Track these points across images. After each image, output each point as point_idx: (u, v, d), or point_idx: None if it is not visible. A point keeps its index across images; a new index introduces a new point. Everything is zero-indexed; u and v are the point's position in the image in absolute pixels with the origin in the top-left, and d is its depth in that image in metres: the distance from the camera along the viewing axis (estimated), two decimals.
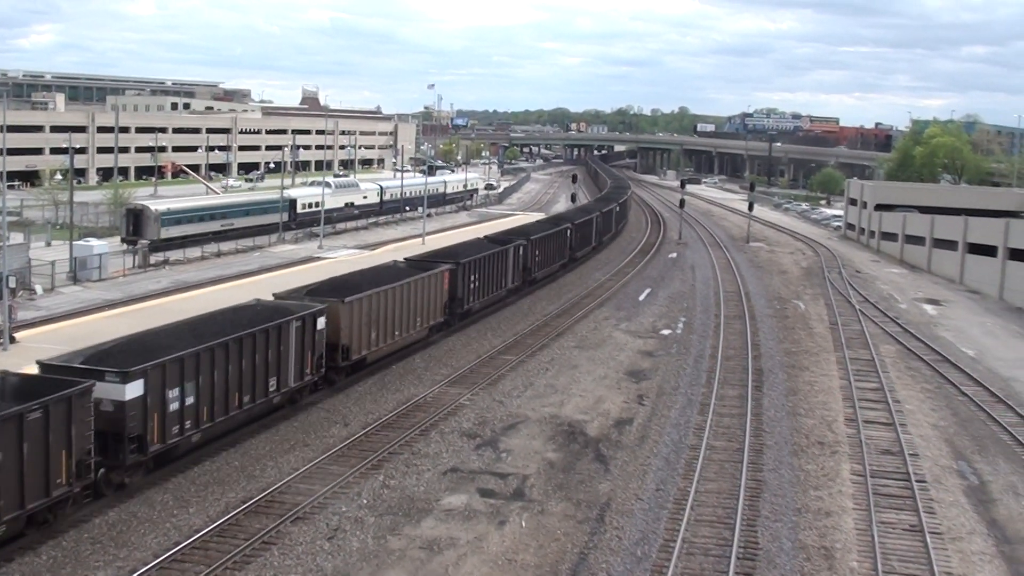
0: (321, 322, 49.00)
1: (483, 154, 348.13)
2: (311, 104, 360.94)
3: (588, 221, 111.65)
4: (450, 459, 43.15)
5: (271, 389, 45.45)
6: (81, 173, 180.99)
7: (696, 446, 46.07)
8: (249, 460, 41.83)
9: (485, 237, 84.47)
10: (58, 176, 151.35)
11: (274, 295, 53.36)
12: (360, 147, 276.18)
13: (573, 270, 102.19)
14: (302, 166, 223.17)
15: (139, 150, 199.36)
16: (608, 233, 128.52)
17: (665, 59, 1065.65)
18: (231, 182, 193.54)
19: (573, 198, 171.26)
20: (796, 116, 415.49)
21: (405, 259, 67.71)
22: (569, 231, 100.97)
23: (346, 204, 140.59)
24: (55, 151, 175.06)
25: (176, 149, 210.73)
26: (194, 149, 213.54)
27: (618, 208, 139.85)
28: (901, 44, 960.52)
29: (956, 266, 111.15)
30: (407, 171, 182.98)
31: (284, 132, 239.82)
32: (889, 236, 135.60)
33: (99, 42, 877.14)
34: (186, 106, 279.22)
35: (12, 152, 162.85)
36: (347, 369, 53.15)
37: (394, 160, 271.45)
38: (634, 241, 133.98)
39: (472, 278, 69.25)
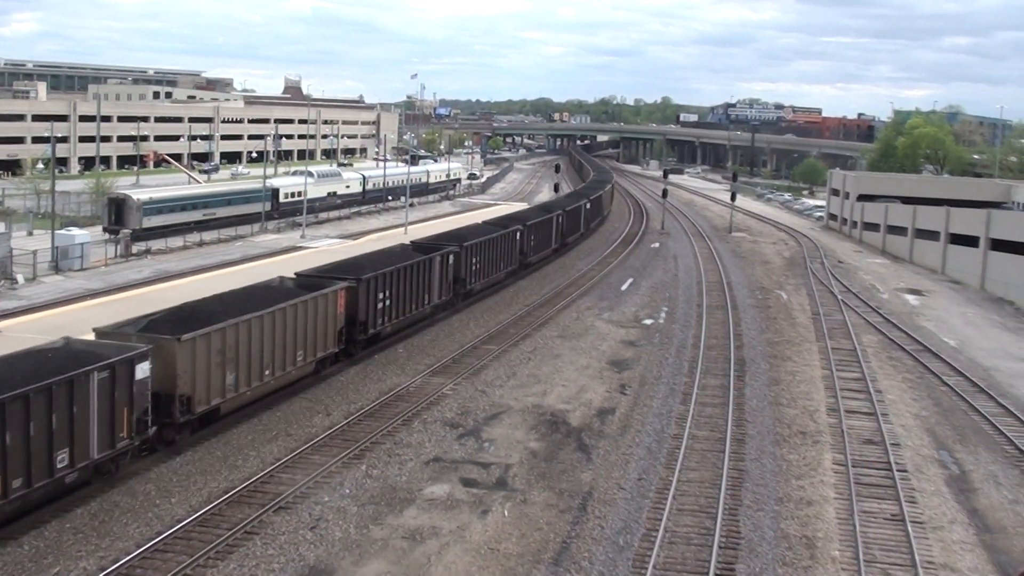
0: (143, 369, 38.20)
1: (466, 144, 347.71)
2: (294, 93, 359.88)
3: (577, 208, 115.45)
4: (433, 449, 43.15)
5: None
6: (63, 162, 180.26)
7: (678, 435, 46.14)
8: (231, 450, 41.77)
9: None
10: (40, 165, 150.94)
11: (95, 330, 42.13)
12: (343, 136, 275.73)
13: (559, 258, 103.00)
14: (284, 156, 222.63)
15: (121, 139, 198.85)
16: (596, 219, 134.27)
17: (647, 49, 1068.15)
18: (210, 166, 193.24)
19: (556, 188, 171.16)
20: (779, 107, 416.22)
21: (296, 274, 56.63)
22: (560, 217, 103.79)
23: (329, 194, 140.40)
24: (37, 140, 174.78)
25: (158, 138, 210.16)
26: (176, 138, 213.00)
27: (604, 196, 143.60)
28: (883, 34, 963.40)
29: (938, 256, 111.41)
30: (386, 160, 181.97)
31: (266, 121, 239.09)
32: (871, 226, 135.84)
33: (81, 30, 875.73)
34: (168, 95, 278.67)
35: None
36: (191, 425, 42.18)
37: (376, 150, 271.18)
38: (616, 231, 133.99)
39: (382, 295, 58.17)
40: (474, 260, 74.65)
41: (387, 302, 58.23)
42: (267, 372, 46.28)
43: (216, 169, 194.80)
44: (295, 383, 49.71)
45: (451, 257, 69.95)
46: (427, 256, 65.78)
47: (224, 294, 49.12)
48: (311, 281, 54.26)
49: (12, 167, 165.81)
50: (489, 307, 74.66)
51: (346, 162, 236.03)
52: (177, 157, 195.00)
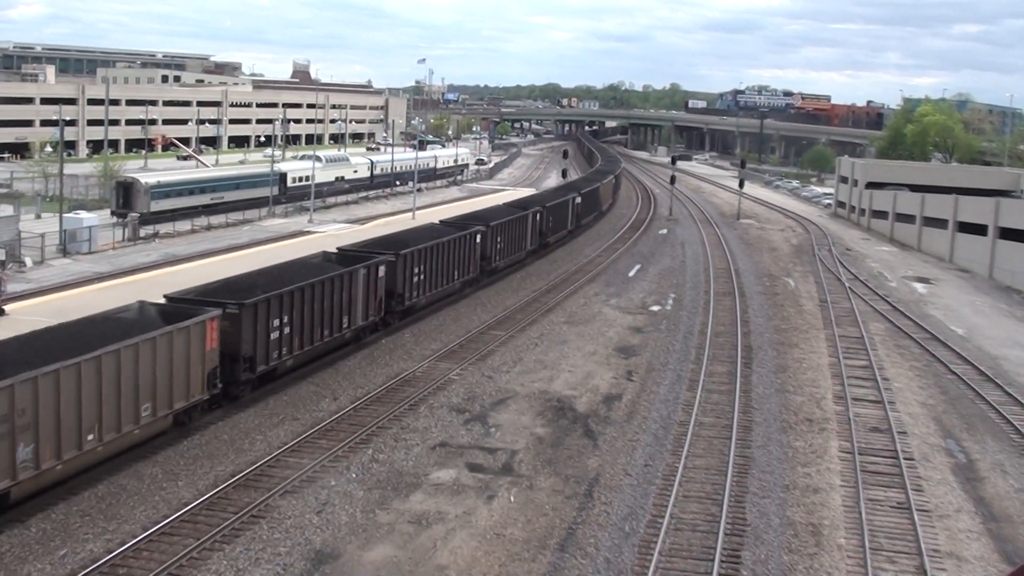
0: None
1: (474, 129, 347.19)
2: (302, 78, 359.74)
3: (593, 191, 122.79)
4: (439, 434, 43.19)
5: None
6: (71, 145, 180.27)
7: (685, 422, 46.15)
8: (238, 434, 41.83)
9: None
10: (48, 148, 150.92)
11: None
12: (351, 121, 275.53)
13: (573, 240, 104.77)
14: (293, 140, 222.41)
15: (129, 123, 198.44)
16: (607, 203, 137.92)
17: (656, 35, 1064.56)
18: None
19: (564, 174, 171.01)
20: (788, 93, 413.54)
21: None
22: (576, 200, 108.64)
23: (336, 178, 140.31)
24: (45, 123, 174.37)
25: (166, 122, 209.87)
26: (184, 122, 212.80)
27: (613, 182, 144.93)
28: (892, 22, 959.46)
29: (946, 245, 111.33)
30: (391, 145, 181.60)
31: (275, 106, 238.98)
32: (880, 214, 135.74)
33: (89, 13, 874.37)
34: (176, 79, 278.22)
35: (2, 124, 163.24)
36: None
37: (384, 134, 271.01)
38: (624, 217, 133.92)
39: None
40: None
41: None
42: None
43: (200, 151, 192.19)
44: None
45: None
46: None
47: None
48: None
49: (21, 150, 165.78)
50: (510, 285, 74.74)
51: (374, 146, 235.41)
52: (185, 141, 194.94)
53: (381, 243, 63.10)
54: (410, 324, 62.21)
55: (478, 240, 73.19)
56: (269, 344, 46.16)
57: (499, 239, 78.63)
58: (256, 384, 46.40)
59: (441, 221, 77.81)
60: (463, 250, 69.80)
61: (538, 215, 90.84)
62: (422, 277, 62.66)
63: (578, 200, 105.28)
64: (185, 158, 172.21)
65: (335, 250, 60.42)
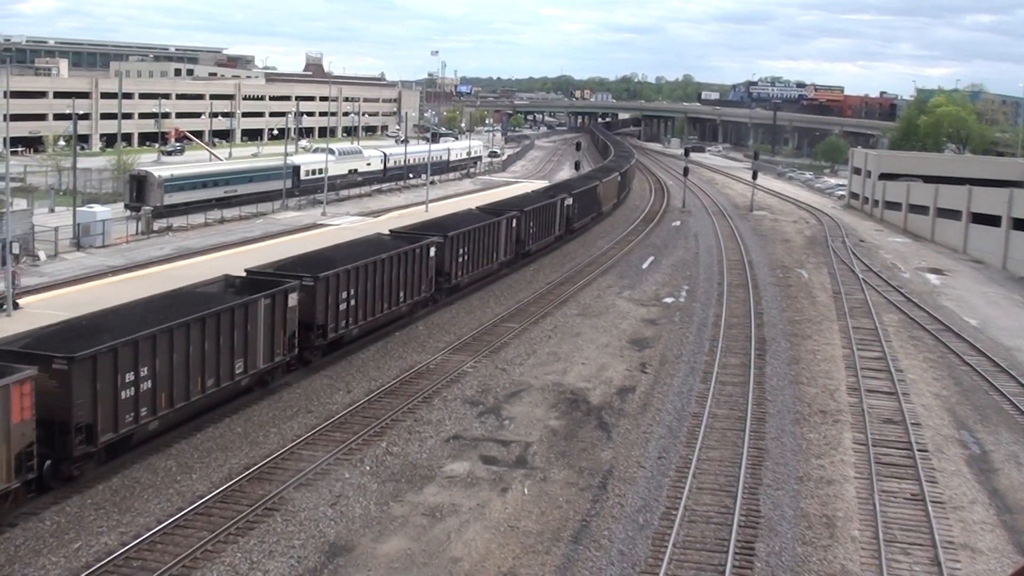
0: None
1: (487, 121, 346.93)
2: (315, 71, 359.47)
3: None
4: (453, 426, 43.24)
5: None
6: (84, 139, 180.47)
7: (699, 414, 46.14)
8: (252, 426, 41.92)
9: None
10: (61, 142, 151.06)
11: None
12: (364, 114, 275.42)
13: (596, 225, 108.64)
14: (305, 133, 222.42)
15: (143, 116, 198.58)
16: (625, 191, 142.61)
17: (668, 26, 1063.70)
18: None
19: (577, 166, 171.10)
20: (801, 85, 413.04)
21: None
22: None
23: (350, 171, 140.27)
24: (58, 117, 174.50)
25: (179, 115, 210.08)
26: (198, 116, 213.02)
27: (629, 169, 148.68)
28: (904, 12, 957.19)
29: (960, 236, 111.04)
30: (402, 139, 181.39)
31: (288, 99, 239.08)
32: (893, 205, 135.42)
33: (100, 7, 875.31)
34: (189, 72, 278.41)
35: (15, 118, 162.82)
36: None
37: (397, 127, 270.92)
38: (638, 209, 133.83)
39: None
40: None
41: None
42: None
43: (181, 151, 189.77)
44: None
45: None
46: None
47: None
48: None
49: (34, 144, 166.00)
50: (524, 278, 74.80)
51: (406, 139, 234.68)
52: (199, 134, 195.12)
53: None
54: (423, 318, 62.29)
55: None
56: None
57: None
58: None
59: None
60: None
61: (566, 201, 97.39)
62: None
63: (568, 202, 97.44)
64: (169, 153, 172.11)
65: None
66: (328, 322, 50.04)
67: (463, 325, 60.36)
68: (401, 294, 58.09)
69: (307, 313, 48.12)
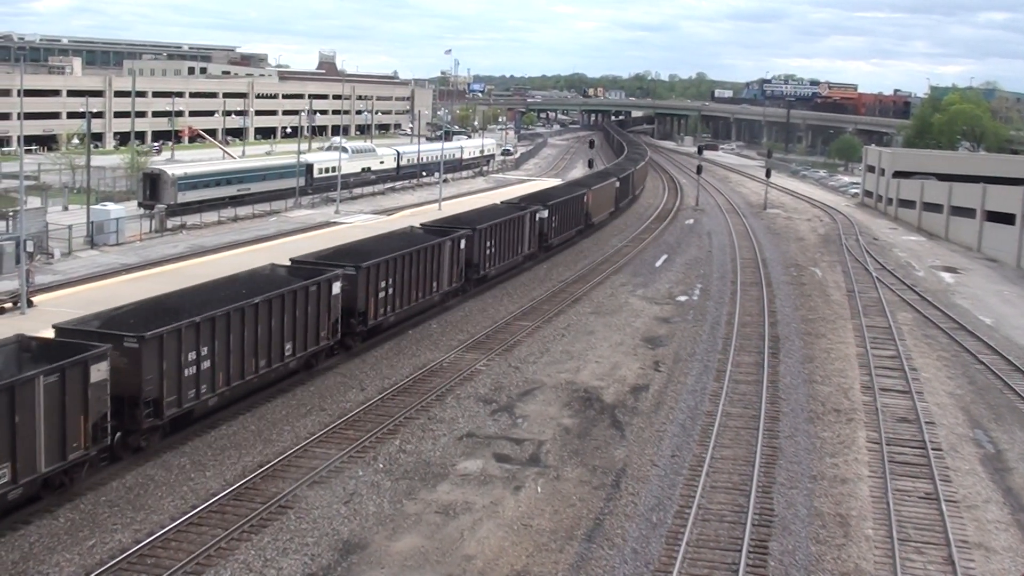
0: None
1: (500, 120, 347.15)
2: (328, 69, 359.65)
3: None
4: (466, 424, 43.25)
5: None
6: (98, 137, 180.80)
7: (712, 412, 46.10)
8: (266, 424, 41.97)
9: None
10: (75, 140, 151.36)
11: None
12: (377, 112, 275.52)
13: (614, 220, 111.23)
14: (319, 131, 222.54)
15: (156, 115, 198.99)
16: (639, 188, 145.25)
17: (681, 24, 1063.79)
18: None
19: (591, 163, 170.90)
20: (814, 83, 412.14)
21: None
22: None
23: (363, 169, 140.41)
24: (72, 115, 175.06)
25: (193, 114, 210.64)
26: (211, 114, 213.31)
27: (634, 172, 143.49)
28: (918, 10, 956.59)
29: (974, 234, 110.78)
30: (418, 136, 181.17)
31: (301, 97, 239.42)
32: (907, 203, 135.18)
33: (112, 5, 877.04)
34: (203, 71, 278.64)
35: (29, 116, 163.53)
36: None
37: (411, 125, 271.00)
38: (651, 207, 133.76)
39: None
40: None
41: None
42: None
43: (159, 151, 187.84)
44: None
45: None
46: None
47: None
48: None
49: (48, 142, 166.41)
50: (537, 276, 74.81)
51: (419, 137, 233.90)
52: (212, 133, 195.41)
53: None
54: (437, 315, 62.30)
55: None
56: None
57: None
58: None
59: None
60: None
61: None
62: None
63: (542, 215, 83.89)
64: (154, 152, 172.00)
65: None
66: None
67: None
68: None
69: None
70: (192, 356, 38.96)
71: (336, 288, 49.65)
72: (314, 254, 55.48)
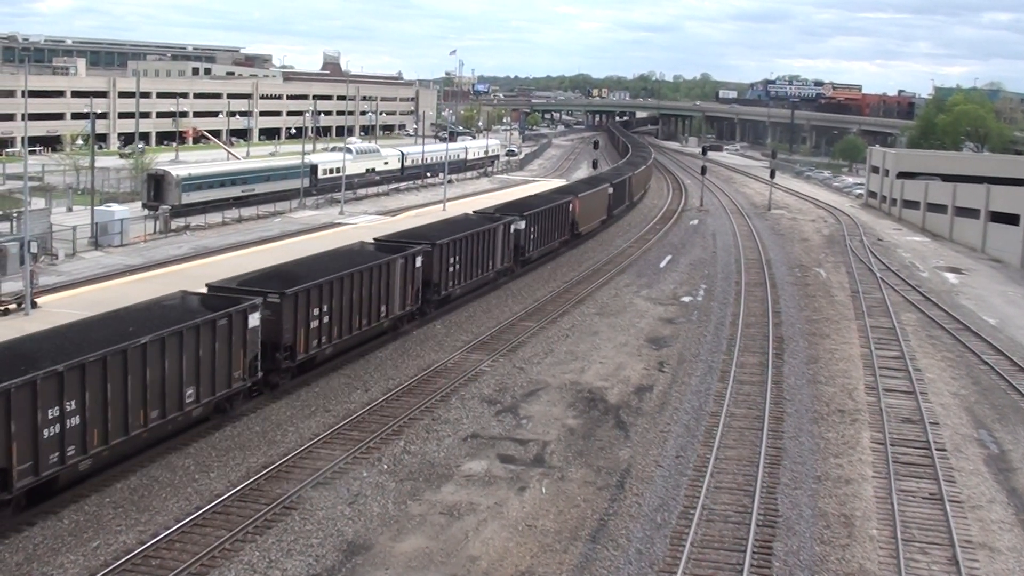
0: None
1: (504, 120, 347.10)
2: (332, 70, 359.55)
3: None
4: (470, 425, 43.27)
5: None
6: (102, 138, 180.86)
7: (716, 413, 46.10)
8: (270, 425, 41.99)
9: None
10: (79, 141, 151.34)
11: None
12: (381, 113, 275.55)
13: (628, 214, 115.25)
14: (323, 132, 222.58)
15: (160, 115, 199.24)
16: (646, 184, 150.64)
17: (684, 24, 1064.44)
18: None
19: (595, 164, 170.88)
20: (818, 83, 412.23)
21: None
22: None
23: (367, 170, 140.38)
24: (76, 116, 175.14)
25: (197, 115, 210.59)
26: (215, 115, 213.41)
27: (646, 170, 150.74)
28: (921, 10, 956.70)
29: (978, 234, 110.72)
30: (427, 137, 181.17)
31: (305, 98, 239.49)
32: (911, 204, 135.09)
33: (116, 6, 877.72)
34: (207, 71, 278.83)
35: (33, 117, 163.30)
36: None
37: (415, 126, 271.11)
38: (655, 207, 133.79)
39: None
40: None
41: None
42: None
43: (142, 151, 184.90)
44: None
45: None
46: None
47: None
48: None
49: (52, 143, 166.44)
50: (541, 276, 74.83)
51: (423, 137, 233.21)
52: (216, 133, 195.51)
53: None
54: (441, 316, 62.31)
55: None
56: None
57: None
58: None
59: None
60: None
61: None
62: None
63: (518, 227, 76.95)
64: (129, 155, 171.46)
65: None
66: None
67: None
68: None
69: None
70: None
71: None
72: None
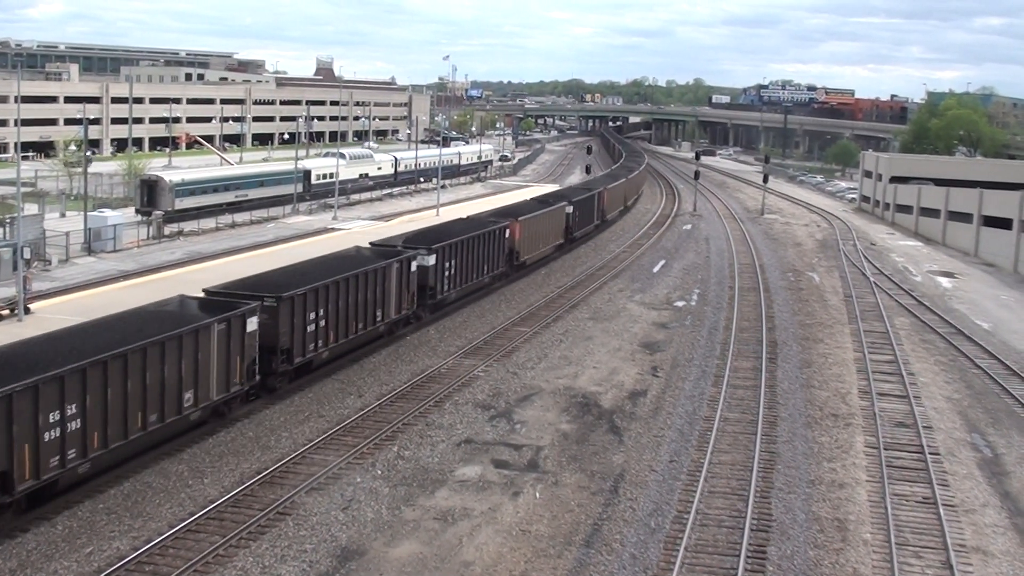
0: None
1: (497, 125, 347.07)
2: (325, 75, 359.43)
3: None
4: (464, 430, 43.25)
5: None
6: (95, 144, 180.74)
7: (710, 418, 46.11)
8: (264, 431, 41.96)
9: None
10: (72, 147, 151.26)
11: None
12: (375, 119, 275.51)
13: (623, 217, 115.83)
14: (316, 137, 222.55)
15: (153, 121, 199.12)
16: (641, 188, 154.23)
17: (676, 29, 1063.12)
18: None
19: (588, 169, 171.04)
20: (811, 88, 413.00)
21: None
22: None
23: (360, 175, 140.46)
24: (69, 122, 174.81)
25: (190, 120, 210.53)
26: (208, 120, 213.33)
27: (639, 174, 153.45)
28: (914, 15, 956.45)
29: (971, 239, 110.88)
30: (420, 142, 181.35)
31: (298, 103, 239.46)
32: (904, 208, 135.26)
33: (108, 11, 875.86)
34: (200, 77, 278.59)
35: (26, 123, 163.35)
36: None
37: (408, 131, 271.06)
38: (649, 212, 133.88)
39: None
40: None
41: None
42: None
43: (89, 161, 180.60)
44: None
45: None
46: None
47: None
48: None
49: (45, 149, 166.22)
50: (536, 281, 74.85)
51: (417, 142, 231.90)
52: (209, 139, 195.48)
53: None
54: (437, 320, 62.31)
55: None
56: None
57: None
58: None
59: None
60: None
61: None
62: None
63: (423, 264, 64.20)
64: (89, 161, 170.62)
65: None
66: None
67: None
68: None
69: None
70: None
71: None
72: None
